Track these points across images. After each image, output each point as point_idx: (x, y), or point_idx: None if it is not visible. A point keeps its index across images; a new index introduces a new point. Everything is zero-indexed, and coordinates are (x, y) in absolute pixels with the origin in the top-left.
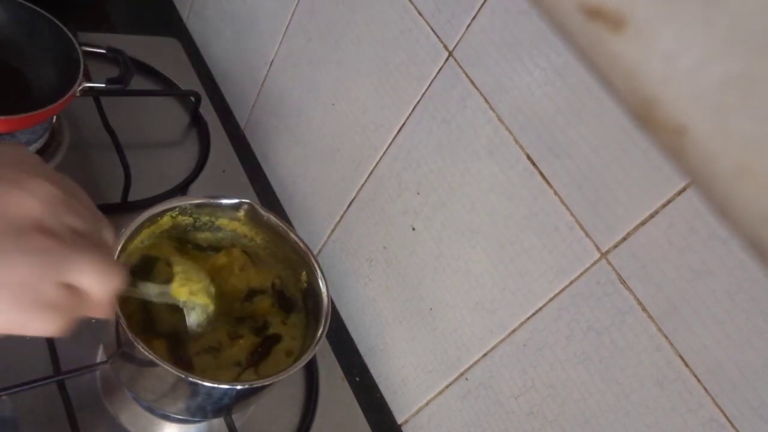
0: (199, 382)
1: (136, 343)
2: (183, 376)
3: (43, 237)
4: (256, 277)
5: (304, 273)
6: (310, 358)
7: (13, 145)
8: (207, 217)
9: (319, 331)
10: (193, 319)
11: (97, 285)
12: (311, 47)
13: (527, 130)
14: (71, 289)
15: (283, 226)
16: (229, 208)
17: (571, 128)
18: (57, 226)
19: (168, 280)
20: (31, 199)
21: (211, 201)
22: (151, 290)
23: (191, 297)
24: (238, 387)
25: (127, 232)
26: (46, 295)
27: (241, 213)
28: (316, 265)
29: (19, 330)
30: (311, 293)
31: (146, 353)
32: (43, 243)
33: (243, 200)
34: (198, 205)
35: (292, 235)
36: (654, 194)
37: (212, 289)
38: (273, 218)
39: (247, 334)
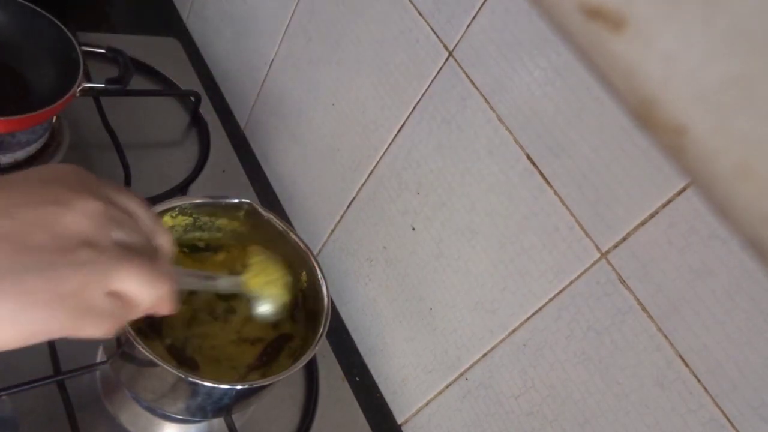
0: (199, 382)
1: (136, 343)
2: (183, 376)
3: (89, 251)
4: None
5: (304, 273)
6: (310, 358)
7: (64, 166)
8: (207, 217)
9: (319, 331)
10: (265, 309)
11: (141, 290)
12: (311, 47)
13: (527, 130)
14: (118, 296)
15: (283, 226)
16: (229, 208)
17: (571, 128)
18: (102, 240)
19: (235, 271)
20: (78, 216)
21: (211, 201)
22: (222, 282)
23: (265, 287)
24: (238, 387)
25: None
26: (95, 302)
27: (241, 213)
28: (316, 265)
29: (73, 333)
30: (311, 293)
31: (146, 353)
32: (89, 256)
33: (243, 200)
34: (198, 205)
35: (292, 235)
36: (654, 194)
37: (289, 279)
38: (273, 218)
39: (255, 335)
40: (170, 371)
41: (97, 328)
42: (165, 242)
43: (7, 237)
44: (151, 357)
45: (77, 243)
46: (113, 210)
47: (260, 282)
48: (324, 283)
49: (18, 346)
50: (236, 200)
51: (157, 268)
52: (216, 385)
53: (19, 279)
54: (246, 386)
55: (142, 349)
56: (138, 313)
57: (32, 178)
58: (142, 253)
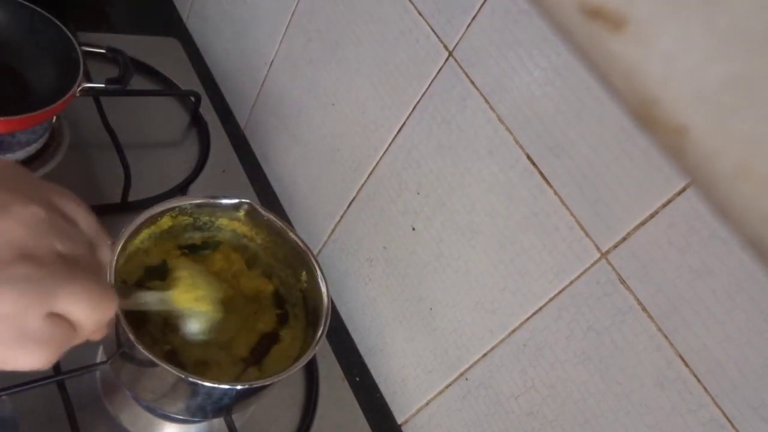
0: (199, 382)
1: (136, 344)
2: (183, 376)
3: (28, 266)
4: (254, 279)
5: (304, 273)
6: (310, 358)
7: (4, 163)
8: (207, 217)
9: (319, 331)
10: (195, 326)
11: (87, 314)
12: (311, 47)
13: (527, 130)
14: (59, 319)
15: (283, 226)
16: (229, 208)
17: (571, 128)
18: (44, 252)
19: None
20: (15, 225)
21: (211, 201)
22: (149, 298)
23: (195, 304)
24: (238, 387)
25: (126, 232)
26: (32, 328)
27: (241, 213)
28: (316, 265)
29: (4, 365)
30: (311, 293)
31: (146, 353)
32: (27, 272)
33: (243, 200)
34: (198, 205)
35: (292, 235)
36: (654, 194)
37: (218, 296)
38: (273, 218)
39: (247, 333)
40: (170, 371)
41: (32, 358)
42: (106, 255)
43: None
44: (151, 357)
45: (13, 256)
46: (55, 217)
47: (189, 298)
48: (324, 284)
49: None
50: (236, 200)
51: (103, 288)
52: (216, 385)
53: None
54: (246, 386)
55: (142, 350)
56: (79, 340)
57: None
58: (86, 269)
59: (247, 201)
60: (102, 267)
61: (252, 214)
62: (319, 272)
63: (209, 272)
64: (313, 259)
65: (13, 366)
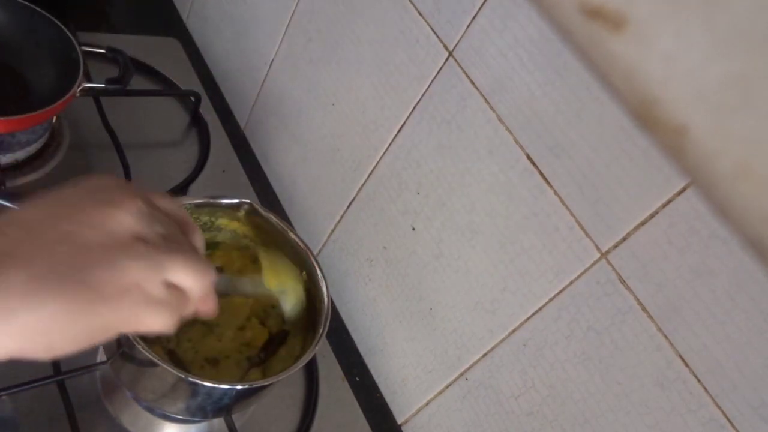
0: (199, 382)
1: (135, 343)
2: (183, 376)
3: (143, 245)
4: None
5: (304, 273)
6: (310, 357)
7: (105, 176)
8: (207, 217)
9: (319, 331)
10: (289, 305)
11: (194, 282)
12: (311, 47)
13: (527, 130)
14: (174, 288)
15: (283, 226)
16: (229, 208)
17: (571, 128)
18: (151, 235)
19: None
20: (128, 215)
21: (211, 201)
22: (247, 285)
23: (282, 285)
24: (238, 387)
25: None
26: (155, 292)
27: (241, 213)
28: (316, 265)
29: (137, 326)
30: (311, 293)
31: (146, 353)
32: (144, 249)
33: (243, 200)
34: (198, 205)
35: (292, 235)
36: (654, 194)
37: (304, 275)
38: (273, 218)
39: (252, 332)
40: (170, 371)
41: (157, 319)
42: (199, 240)
43: (68, 239)
44: (151, 357)
45: (130, 238)
46: (153, 208)
47: (277, 281)
48: (324, 283)
49: (83, 346)
50: (236, 200)
51: (201, 259)
52: (216, 385)
53: (84, 276)
54: (246, 386)
55: (141, 349)
56: (191, 307)
57: (80, 187)
58: (184, 247)
59: (247, 201)
60: (196, 247)
61: (252, 214)
62: (319, 272)
63: (286, 258)
64: (312, 259)
65: (143, 326)
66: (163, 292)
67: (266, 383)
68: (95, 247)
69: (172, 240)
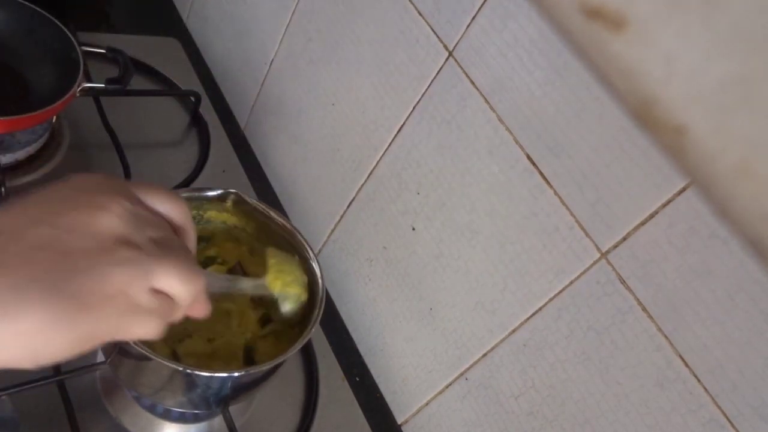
0: (196, 372)
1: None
2: (180, 368)
3: (128, 249)
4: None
5: (296, 256)
6: (305, 341)
7: (92, 174)
8: (195, 211)
9: (314, 314)
10: (287, 308)
11: (181, 287)
12: (311, 47)
13: (527, 130)
14: (161, 294)
15: (271, 212)
16: (216, 200)
17: (571, 128)
18: (138, 238)
19: (256, 274)
20: (113, 218)
21: (196, 194)
22: (245, 285)
23: (285, 288)
24: (235, 374)
25: None
26: (141, 300)
27: (229, 203)
28: (305, 245)
29: (122, 335)
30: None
31: (140, 348)
32: (129, 254)
33: (229, 190)
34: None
35: (281, 220)
36: (654, 194)
37: (305, 279)
38: (260, 206)
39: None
40: (166, 364)
41: (144, 327)
42: (191, 241)
43: (49, 245)
44: (145, 351)
45: (115, 242)
46: (143, 209)
47: (281, 283)
48: (317, 266)
49: (68, 356)
50: (221, 191)
51: (190, 264)
52: (212, 374)
53: (65, 284)
54: (242, 373)
55: (134, 345)
56: (179, 313)
57: (65, 187)
58: (174, 250)
59: (233, 191)
60: (188, 249)
61: (240, 203)
62: (310, 252)
63: (293, 258)
64: (302, 239)
65: (129, 335)
66: (150, 299)
67: (264, 368)
68: (77, 253)
69: (162, 243)
